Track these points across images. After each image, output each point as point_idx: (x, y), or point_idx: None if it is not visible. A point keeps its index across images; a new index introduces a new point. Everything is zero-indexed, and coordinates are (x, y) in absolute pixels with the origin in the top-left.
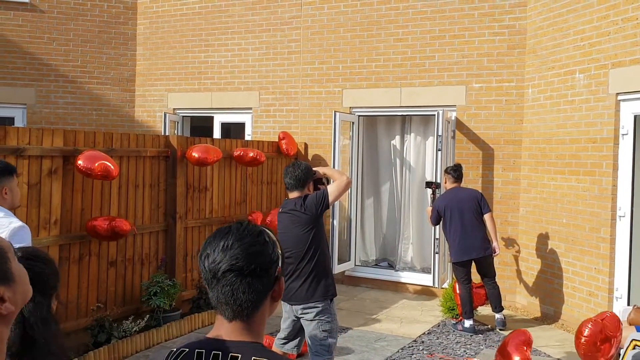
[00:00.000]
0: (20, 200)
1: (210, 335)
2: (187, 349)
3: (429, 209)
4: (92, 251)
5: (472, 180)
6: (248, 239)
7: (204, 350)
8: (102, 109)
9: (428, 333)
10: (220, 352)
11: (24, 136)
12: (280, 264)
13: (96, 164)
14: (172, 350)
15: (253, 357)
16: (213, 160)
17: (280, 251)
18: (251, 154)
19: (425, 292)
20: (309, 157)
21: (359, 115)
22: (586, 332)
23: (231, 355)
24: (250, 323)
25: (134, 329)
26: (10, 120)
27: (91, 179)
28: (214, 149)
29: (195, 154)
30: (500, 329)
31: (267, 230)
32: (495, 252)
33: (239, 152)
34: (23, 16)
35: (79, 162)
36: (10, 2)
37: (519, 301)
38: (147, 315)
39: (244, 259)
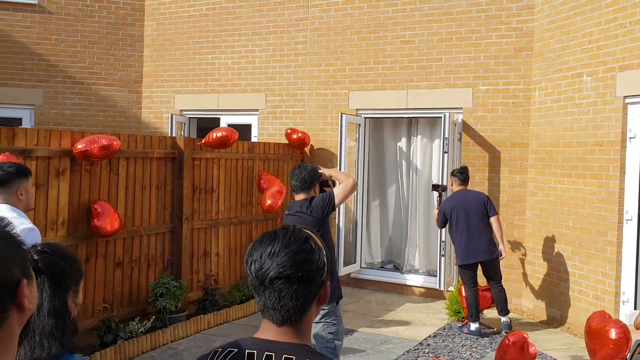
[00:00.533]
0: (34, 202)
1: (257, 336)
2: (236, 349)
3: (436, 211)
4: (98, 252)
5: (478, 183)
6: (295, 245)
7: (255, 351)
8: (110, 110)
9: (434, 336)
10: (273, 354)
11: (32, 137)
12: (325, 269)
13: (94, 145)
14: (217, 350)
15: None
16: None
17: (325, 256)
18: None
19: (431, 295)
20: (315, 159)
21: (365, 117)
22: (614, 334)
23: (285, 357)
24: (298, 327)
25: (140, 329)
26: (18, 121)
27: (98, 180)
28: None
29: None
30: (506, 332)
31: (313, 236)
32: (501, 255)
33: None
34: (31, 17)
35: (78, 146)
36: (19, 3)
37: (525, 304)
38: (153, 316)
39: (291, 266)
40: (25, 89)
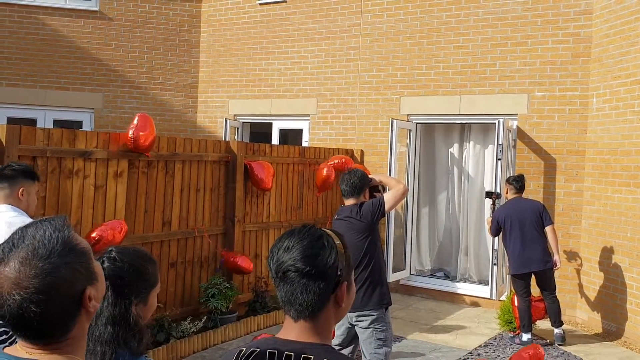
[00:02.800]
0: (34, 211)
1: (279, 335)
2: (259, 349)
3: (489, 219)
4: (153, 252)
5: (533, 191)
6: (307, 241)
7: (276, 351)
8: (166, 114)
9: (484, 345)
10: (292, 353)
11: (92, 140)
12: (341, 269)
13: (141, 133)
14: (241, 350)
15: (325, 359)
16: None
17: (343, 257)
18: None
19: (482, 304)
20: (365, 164)
21: (417, 123)
22: None
23: (304, 357)
24: (315, 324)
25: (192, 329)
26: (79, 124)
27: (154, 182)
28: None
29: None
30: (559, 344)
31: (330, 235)
32: (556, 266)
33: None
34: (93, 24)
35: (130, 132)
36: (81, 10)
37: (580, 316)
38: (205, 317)
39: (301, 260)
40: (86, 93)
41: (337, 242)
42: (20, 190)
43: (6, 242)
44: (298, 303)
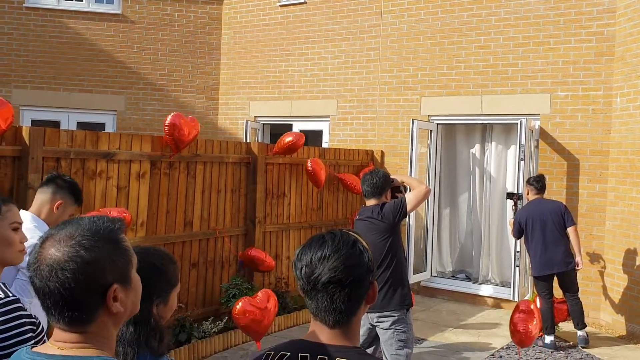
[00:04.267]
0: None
1: (308, 339)
2: (289, 353)
3: (512, 220)
4: (175, 253)
5: (555, 192)
6: (344, 250)
7: (308, 355)
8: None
9: (506, 347)
10: (326, 357)
11: (115, 141)
12: (373, 271)
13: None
14: (270, 353)
15: None
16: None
17: (371, 256)
18: None
19: (504, 306)
20: (386, 165)
21: (438, 124)
22: None
23: None
24: (349, 328)
25: (213, 329)
26: (101, 126)
27: (176, 183)
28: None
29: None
30: (582, 347)
31: (359, 239)
32: (578, 267)
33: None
34: (115, 27)
35: (166, 122)
36: (104, 13)
37: (604, 318)
38: (226, 317)
39: (342, 271)
40: (109, 96)
41: (365, 242)
42: (59, 202)
43: (59, 224)
44: (338, 312)
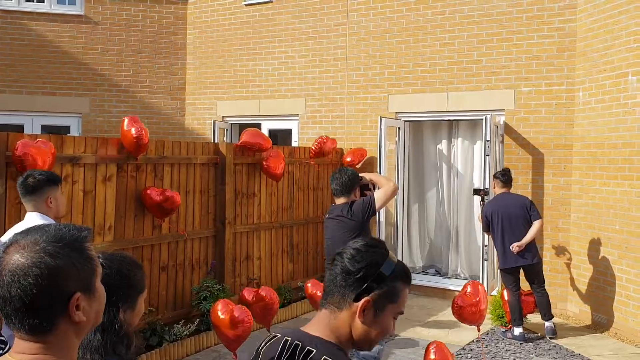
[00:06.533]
0: (65, 210)
1: (303, 328)
2: (280, 334)
3: (480, 215)
4: (144, 256)
5: (521, 186)
6: None
7: (289, 339)
8: (154, 117)
9: (477, 341)
10: (300, 343)
11: (80, 145)
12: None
13: (143, 131)
14: (272, 333)
15: (324, 356)
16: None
17: None
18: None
19: None
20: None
21: (405, 121)
22: None
23: (307, 349)
24: (330, 320)
25: (185, 332)
26: (66, 129)
27: (143, 186)
28: None
29: None
30: (550, 337)
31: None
32: (512, 248)
33: None
34: (78, 28)
35: (132, 130)
36: (67, 15)
37: (570, 309)
38: (197, 319)
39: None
40: (73, 98)
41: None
42: (49, 198)
43: (24, 230)
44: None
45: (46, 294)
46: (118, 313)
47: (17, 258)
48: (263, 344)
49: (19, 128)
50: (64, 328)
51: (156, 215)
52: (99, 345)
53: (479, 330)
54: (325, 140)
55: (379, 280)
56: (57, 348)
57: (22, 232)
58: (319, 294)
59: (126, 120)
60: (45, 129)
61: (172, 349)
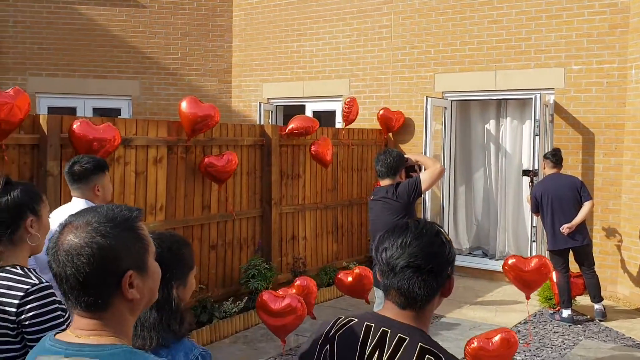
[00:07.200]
0: (111, 197)
1: (380, 312)
2: (357, 319)
3: (529, 196)
4: (194, 235)
5: (571, 166)
6: (426, 238)
7: (373, 325)
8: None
9: (524, 322)
10: (389, 330)
11: (131, 127)
12: (454, 264)
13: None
14: (340, 317)
15: (420, 343)
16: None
17: (454, 250)
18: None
19: None
20: (399, 144)
21: (452, 100)
22: None
23: (399, 336)
24: (419, 313)
25: (234, 309)
26: (117, 111)
27: (193, 167)
28: None
29: None
30: (600, 320)
31: (443, 230)
32: (562, 230)
33: None
34: (127, 12)
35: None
36: None
37: (621, 291)
38: (246, 297)
39: (422, 257)
40: (123, 81)
41: (448, 236)
42: (96, 186)
43: (76, 212)
44: (412, 297)
45: (99, 272)
46: (172, 290)
47: (70, 238)
48: (335, 328)
49: (72, 111)
50: (118, 305)
51: (216, 181)
52: (154, 323)
53: (527, 298)
54: (352, 103)
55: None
56: (113, 325)
57: (75, 213)
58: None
59: (185, 101)
60: (97, 111)
61: (222, 326)
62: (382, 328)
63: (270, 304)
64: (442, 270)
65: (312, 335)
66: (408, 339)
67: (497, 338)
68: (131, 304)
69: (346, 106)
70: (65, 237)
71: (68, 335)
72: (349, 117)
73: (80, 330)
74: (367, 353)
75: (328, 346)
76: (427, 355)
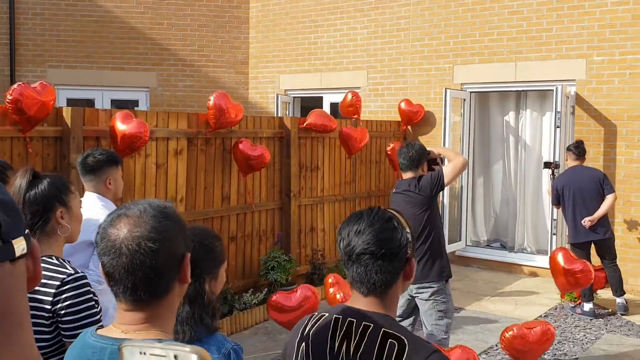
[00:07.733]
0: (122, 192)
1: (348, 304)
2: (327, 314)
3: (549, 189)
4: (214, 227)
5: (592, 159)
6: (378, 224)
7: (340, 317)
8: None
9: (545, 316)
10: (354, 320)
11: (152, 119)
12: (410, 247)
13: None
14: (314, 314)
15: (383, 329)
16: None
17: (409, 234)
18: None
19: (541, 274)
20: (418, 136)
21: (471, 92)
22: None
23: (364, 324)
24: (383, 298)
25: (254, 301)
26: (135, 103)
27: (213, 159)
28: None
29: None
30: (621, 314)
31: (397, 215)
32: (584, 223)
33: None
34: (145, 4)
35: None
36: None
37: None
38: (265, 289)
39: (375, 243)
40: (141, 72)
41: (403, 220)
42: (108, 179)
43: (120, 207)
44: (371, 282)
45: (167, 256)
46: (204, 284)
47: (133, 229)
48: (309, 325)
49: (90, 102)
50: (175, 291)
51: (242, 169)
52: (187, 317)
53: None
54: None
55: None
56: (163, 317)
57: (120, 209)
58: None
59: (214, 96)
60: (115, 103)
61: (242, 317)
62: (349, 319)
63: (284, 302)
64: (397, 254)
65: (290, 335)
66: (372, 325)
67: (537, 328)
68: (182, 289)
69: (356, 98)
70: (125, 229)
71: (113, 331)
72: (358, 111)
73: (127, 326)
74: (336, 345)
75: (304, 344)
76: (389, 340)
